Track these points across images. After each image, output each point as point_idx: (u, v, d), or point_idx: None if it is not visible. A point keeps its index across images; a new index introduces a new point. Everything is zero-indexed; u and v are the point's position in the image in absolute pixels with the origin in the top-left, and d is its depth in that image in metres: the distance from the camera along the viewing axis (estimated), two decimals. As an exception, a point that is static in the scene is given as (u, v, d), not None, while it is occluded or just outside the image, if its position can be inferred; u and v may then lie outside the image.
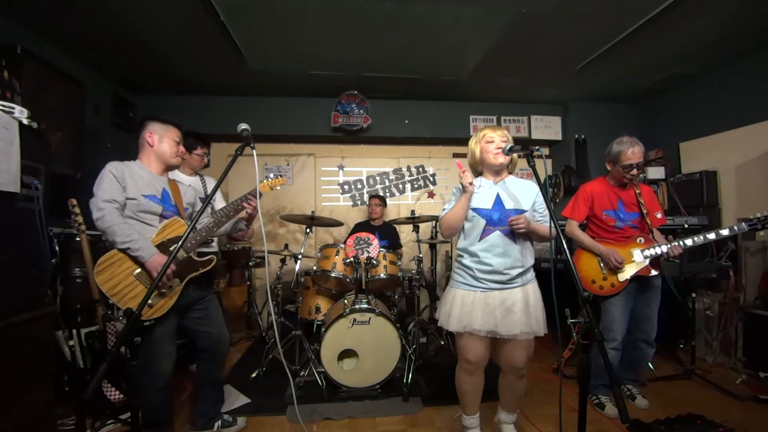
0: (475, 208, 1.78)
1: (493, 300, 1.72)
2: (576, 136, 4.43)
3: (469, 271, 1.77)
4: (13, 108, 1.62)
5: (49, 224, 1.83)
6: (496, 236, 1.74)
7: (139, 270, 1.74)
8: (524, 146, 1.63)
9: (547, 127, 4.53)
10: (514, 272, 1.74)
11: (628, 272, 2.22)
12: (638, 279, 2.24)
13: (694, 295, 2.86)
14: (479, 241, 1.76)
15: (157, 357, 1.79)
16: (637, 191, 2.29)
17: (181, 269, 1.82)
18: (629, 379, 2.46)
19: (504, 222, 1.74)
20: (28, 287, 1.66)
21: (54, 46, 2.99)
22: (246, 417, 2.21)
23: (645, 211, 2.26)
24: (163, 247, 1.78)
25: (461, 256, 1.83)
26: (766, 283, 2.86)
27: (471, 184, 1.72)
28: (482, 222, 1.76)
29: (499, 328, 1.68)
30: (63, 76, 2.90)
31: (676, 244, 2.16)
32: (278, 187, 2.12)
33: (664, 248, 2.18)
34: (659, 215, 2.31)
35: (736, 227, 2.14)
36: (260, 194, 1.92)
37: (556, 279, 1.42)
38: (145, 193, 1.80)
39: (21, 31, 2.70)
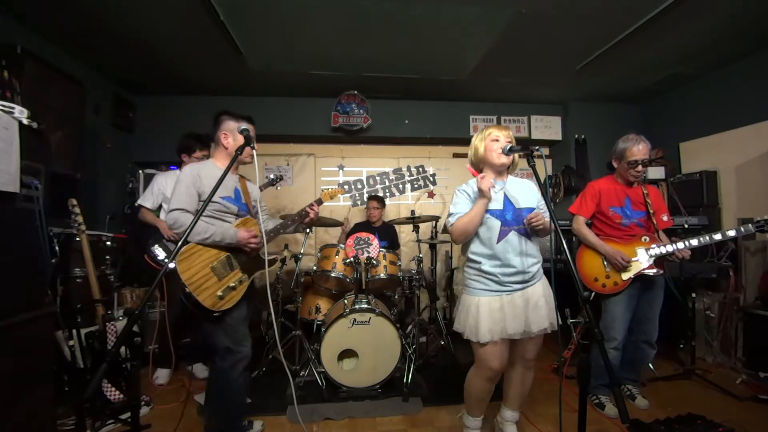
0: (488, 210, 1.74)
1: (520, 300, 1.72)
2: (576, 136, 4.42)
3: (491, 277, 1.73)
4: (13, 108, 1.62)
5: (49, 224, 1.84)
6: (513, 236, 1.73)
7: (215, 263, 1.79)
8: (524, 146, 1.63)
9: (547, 127, 4.53)
10: (534, 269, 1.75)
11: (631, 271, 2.21)
12: (642, 279, 2.23)
13: (694, 295, 2.86)
14: (497, 243, 1.73)
15: (240, 338, 1.84)
16: (645, 191, 2.28)
17: (249, 265, 1.89)
18: (629, 379, 2.46)
19: (518, 221, 1.74)
20: (28, 287, 1.66)
21: (54, 46, 2.99)
22: (262, 420, 2.19)
23: (652, 211, 2.26)
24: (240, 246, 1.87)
25: (478, 262, 1.76)
26: (766, 283, 2.86)
27: (490, 188, 1.69)
28: (497, 223, 1.74)
29: (532, 327, 1.68)
30: (63, 76, 2.89)
31: (684, 247, 2.15)
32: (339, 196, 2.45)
33: (670, 248, 2.17)
34: (665, 218, 2.31)
35: (742, 228, 2.14)
36: (320, 201, 2.21)
37: (556, 278, 1.43)
38: (222, 195, 1.85)
39: (21, 31, 2.70)
